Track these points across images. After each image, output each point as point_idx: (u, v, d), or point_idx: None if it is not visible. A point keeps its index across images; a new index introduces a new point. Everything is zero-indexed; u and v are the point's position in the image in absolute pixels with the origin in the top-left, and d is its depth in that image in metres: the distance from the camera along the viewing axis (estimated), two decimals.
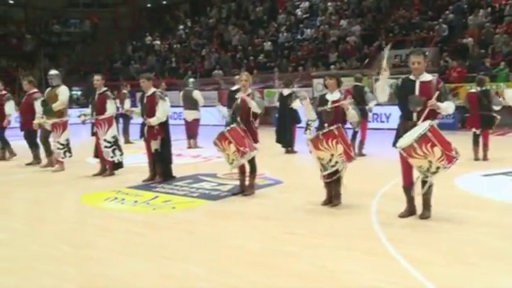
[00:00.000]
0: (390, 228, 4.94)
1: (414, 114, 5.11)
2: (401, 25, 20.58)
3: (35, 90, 9.78)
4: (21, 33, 30.00)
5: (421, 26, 20.09)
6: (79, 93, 27.06)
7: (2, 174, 9.11)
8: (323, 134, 5.64)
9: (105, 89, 8.57)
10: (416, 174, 5.17)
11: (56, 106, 8.83)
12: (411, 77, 5.23)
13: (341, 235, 4.82)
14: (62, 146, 8.83)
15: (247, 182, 6.72)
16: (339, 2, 24.07)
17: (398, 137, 5.22)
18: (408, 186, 5.29)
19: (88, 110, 8.83)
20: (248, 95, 6.52)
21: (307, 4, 25.00)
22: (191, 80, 12.96)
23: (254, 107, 6.45)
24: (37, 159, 9.87)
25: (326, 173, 5.71)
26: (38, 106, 9.35)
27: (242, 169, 6.65)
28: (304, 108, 6.53)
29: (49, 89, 9.23)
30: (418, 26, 20.09)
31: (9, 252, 4.60)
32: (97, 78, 8.58)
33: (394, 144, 5.19)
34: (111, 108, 8.48)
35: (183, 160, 9.80)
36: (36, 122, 9.12)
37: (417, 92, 5.11)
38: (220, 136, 6.37)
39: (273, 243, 4.63)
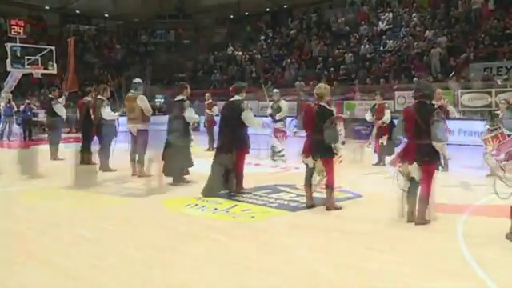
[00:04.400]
0: (480, 250, 4.66)
1: None
2: (492, 35, 19.56)
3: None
4: (112, 43, 31.83)
5: None
6: (162, 101, 28.14)
7: (84, 178, 9.37)
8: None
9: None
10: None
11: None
12: None
13: (425, 254, 4.62)
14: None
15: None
16: (424, 13, 23.34)
17: None
18: None
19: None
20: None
21: (391, 15, 24.45)
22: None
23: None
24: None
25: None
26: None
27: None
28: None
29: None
30: None
31: (98, 250, 4.83)
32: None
33: None
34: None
35: (262, 169, 9.84)
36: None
37: None
38: None
39: (352, 258, 4.53)
